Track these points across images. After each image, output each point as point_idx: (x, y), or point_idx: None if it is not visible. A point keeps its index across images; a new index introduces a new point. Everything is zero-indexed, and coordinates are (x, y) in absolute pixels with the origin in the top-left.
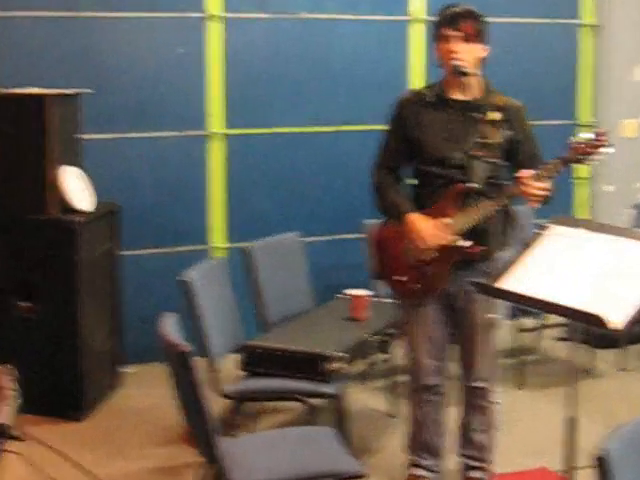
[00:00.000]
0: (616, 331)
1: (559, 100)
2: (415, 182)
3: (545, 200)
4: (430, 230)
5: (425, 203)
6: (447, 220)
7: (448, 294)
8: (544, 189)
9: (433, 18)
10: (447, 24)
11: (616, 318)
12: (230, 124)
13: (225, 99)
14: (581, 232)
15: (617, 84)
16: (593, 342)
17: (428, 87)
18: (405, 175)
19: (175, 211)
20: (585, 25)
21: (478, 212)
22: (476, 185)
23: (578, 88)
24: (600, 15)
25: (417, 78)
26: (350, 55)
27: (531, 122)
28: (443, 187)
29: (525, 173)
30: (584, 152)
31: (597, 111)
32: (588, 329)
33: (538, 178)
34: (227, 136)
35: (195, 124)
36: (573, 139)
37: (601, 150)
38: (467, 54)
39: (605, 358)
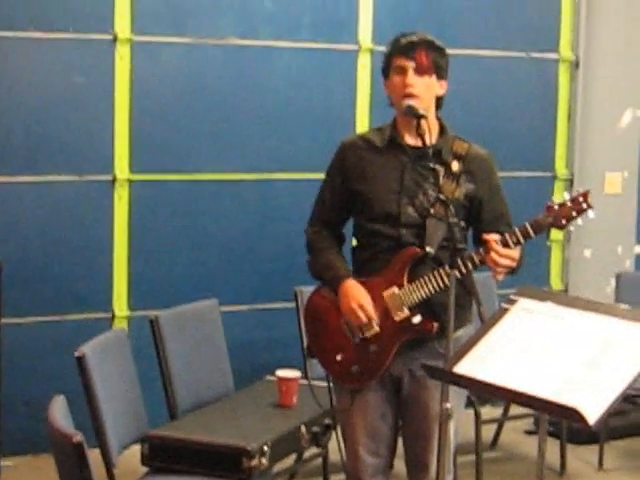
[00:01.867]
0: (589, 426)
1: (533, 148)
2: (357, 242)
3: (511, 270)
4: (369, 302)
5: (367, 268)
6: (395, 290)
7: (393, 378)
8: (512, 258)
9: (383, 48)
10: (400, 53)
11: (591, 411)
12: (136, 168)
13: (130, 138)
14: (551, 307)
15: (600, 131)
16: (566, 436)
17: (376, 130)
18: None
19: (69, 271)
20: (564, 60)
21: (432, 282)
22: (432, 250)
23: (556, 134)
24: (579, 49)
25: (365, 117)
26: (286, 88)
27: (499, 174)
28: (390, 250)
29: (492, 237)
30: (562, 216)
31: (576, 162)
32: (559, 421)
33: (506, 244)
34: (132, 183)
35: (97, 167)
36: (553, 201)
37: (580, 214)
38: (422, 88)
39: (580, 455)
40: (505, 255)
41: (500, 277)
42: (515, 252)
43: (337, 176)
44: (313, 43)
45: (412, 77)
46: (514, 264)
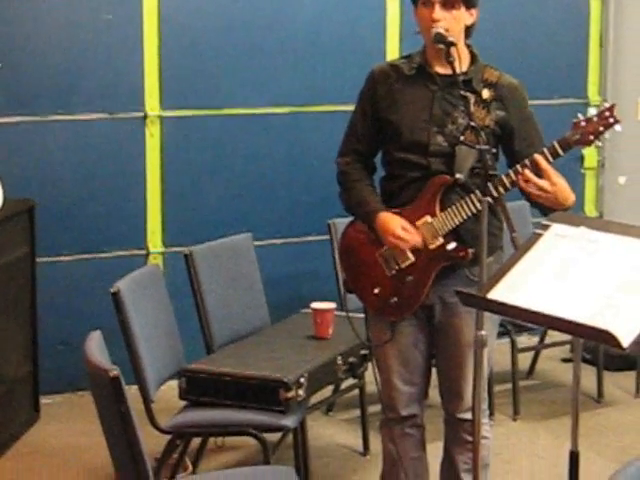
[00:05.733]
0: (623, 349)
1: (566, 75)
2: (386, 172)
3: (556, 203)
4: (408, 231)
5: (397, 198)
6: (428, 219)
7: (425, 306)
8: (551, 180)
9: None
10: None
11: (625, 334)
12: (166, 105)
13: (160, 75)
14: (585, 232)
15: (632, 56)
16: (603, 364)
17: (406, 58)
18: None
19: (102, 209)
20: None
21: (465, 208)
22: (463, 177)
23: (588, 61)
24: None
25: (395, 47)
26: (313, 21)
27: (531, 102)
28: (420, 179)
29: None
30: (590, 132)
31: (609, 89)
32: (596, 348)
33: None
34: (163, 119)
35: (128, 104)
36: (579, 117)
37: (608, 128)
38: (451, 22)
39: (618, 383)
40: (542, 169)
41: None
42: (552, 175)
43: (367, 105)
44: None
45: (439, 12)
46: (552, 188)
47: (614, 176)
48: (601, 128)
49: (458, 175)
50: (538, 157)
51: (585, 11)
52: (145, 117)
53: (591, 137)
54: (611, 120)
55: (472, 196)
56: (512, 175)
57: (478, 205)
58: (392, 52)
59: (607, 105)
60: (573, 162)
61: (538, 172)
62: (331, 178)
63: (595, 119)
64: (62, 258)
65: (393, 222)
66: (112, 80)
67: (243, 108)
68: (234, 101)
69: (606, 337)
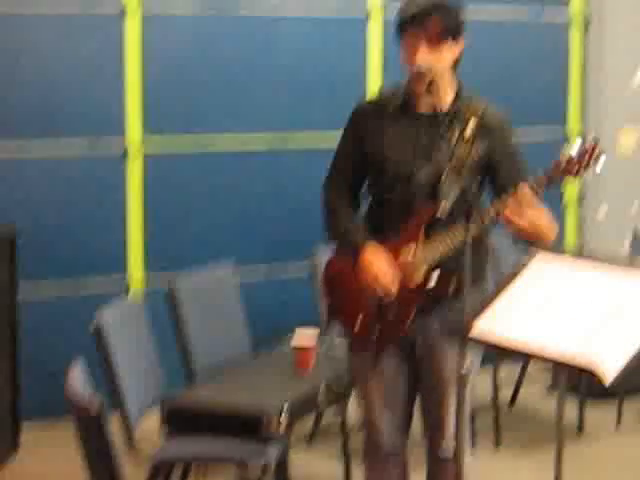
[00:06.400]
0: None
1: (546, 106)
2: (371, 203)
3: (537, 233)
4: (390, 267)
5: (382, 228)
6: (409, 256)
7: (408, 340)
8: (530, 216)
9: (396, 12)
10: (410, 22)
11: (608, 367)
12: (149, 132)
13: (143, 103)
14: (569, 262)
15: (613, 88)
16: (584, 393)
17: (389, 93)
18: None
19: (84, 237)
20: (577, 17)
21: (448, 240)
22: (447, 209)
23: (569, 92)
24: (591, 6)
25: (376, 79)
26: (296, 53)
27: (515, 134)
28: (404, 210)
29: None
30: (575, 163)
31: (589, 120)
32: (578, 377)
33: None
34: (144, 149)
35: (110, 135)
36: (565, 149)
37: (591, 164)
38: (437, 56)
39: (599, 411)
40: (521, 202)
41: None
42: (534, 213)
43: (351, 140)
44: (323, 10)
45: (423, 50)
46: (533, 219)
47: (594, 208)
48: (587, 159)
49: (443, 207)
50: (523, 188)
51: (566, 40)
52: (126, 148)
53: (574, 172)
54: (596, 152)
55: (456, 228)
56: (496, 206)
57: (462, 236)
58: (374, 83)
59: (592, 143)
60: (553, 194)
61: (521, 204)
62: (313, 209)
63: (581, 151)
64: (43, 285)
65: (376, 261)
66: (94, 109)
67: (225, 140)
68: (216, 133)
69: (589, 370)
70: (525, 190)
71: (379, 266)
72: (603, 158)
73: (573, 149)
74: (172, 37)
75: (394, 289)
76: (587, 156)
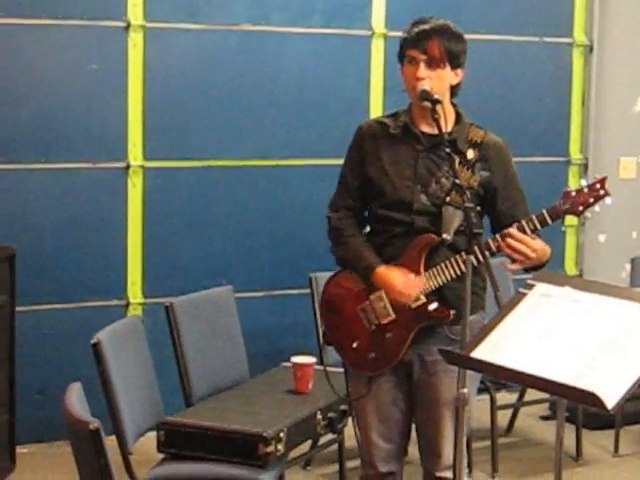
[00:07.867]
0: (607, 411)
1: (548, 133)
2: (371, 228)
3: (533, 266)
4: (409, 283)
5: (382, 254)
6: (412, 277)
7: (404, 364)
8: (529, 246)
9: (397, 32)
10: (412, 44)
11: (609, 395)
12: (149, 155)
13: (144, 125)
14: (569, 292)
15: (614, 115)
16: (582, 422)
17: (392, 116)
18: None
19: (83, 259)
20: (578, 45)
21: (449, 269)
22: (448, 237)
23: (571, 119)
24: (593, 33)
25: (378, 103)
26: (298, 75)
27: (515, 161)
28: (404, 236)
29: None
30: (579, 203)
31: (590, 147)
32: (575, 406)
33: (522, 230)
34: (145, 169)
35: (111, 154)
36: (569, 187)
37: (598, 201)
38: (436, 80)
39: (596, 441)
40: (521, 239)
41: (515, 267)
42: (534, 242)
43: (355, 160)
44: (326, 29)
45: (423, 70)
46: (533, 255)
47: (594, 234)
48: (591, 200)
49: (445, 235)
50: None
51: (568, 69)
52: (128, 167)
53: (580, 208)
54: (601, 192)
55: (457, 256)
56: (499, 239)
57: (463, 267)
58: (376, 107)
59: (598, 177)
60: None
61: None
62: (312, 231)
63: (586, 190)
64: (41, 307)
65: (393, 277)
66: (95, 129)
67: (226, 160)
68: (217, 153)
69: (591, 399)
70: (511, 230)
71: (398, 279)
72: (609, 199)
73: (582, 182)
74: (175, 52)
75: (421, 288)
76: (597, 187)
